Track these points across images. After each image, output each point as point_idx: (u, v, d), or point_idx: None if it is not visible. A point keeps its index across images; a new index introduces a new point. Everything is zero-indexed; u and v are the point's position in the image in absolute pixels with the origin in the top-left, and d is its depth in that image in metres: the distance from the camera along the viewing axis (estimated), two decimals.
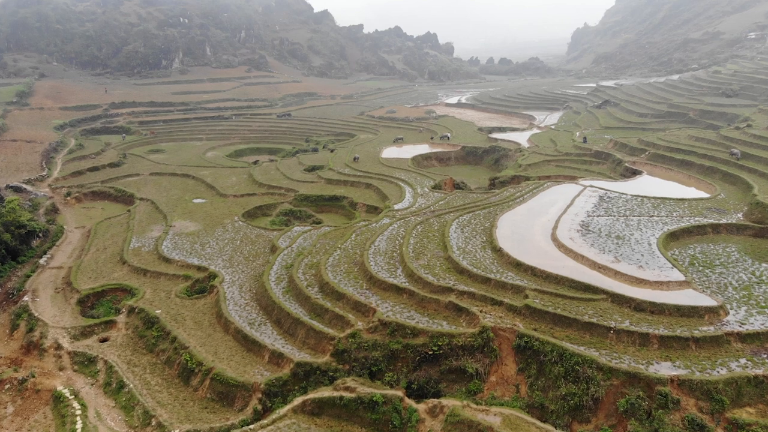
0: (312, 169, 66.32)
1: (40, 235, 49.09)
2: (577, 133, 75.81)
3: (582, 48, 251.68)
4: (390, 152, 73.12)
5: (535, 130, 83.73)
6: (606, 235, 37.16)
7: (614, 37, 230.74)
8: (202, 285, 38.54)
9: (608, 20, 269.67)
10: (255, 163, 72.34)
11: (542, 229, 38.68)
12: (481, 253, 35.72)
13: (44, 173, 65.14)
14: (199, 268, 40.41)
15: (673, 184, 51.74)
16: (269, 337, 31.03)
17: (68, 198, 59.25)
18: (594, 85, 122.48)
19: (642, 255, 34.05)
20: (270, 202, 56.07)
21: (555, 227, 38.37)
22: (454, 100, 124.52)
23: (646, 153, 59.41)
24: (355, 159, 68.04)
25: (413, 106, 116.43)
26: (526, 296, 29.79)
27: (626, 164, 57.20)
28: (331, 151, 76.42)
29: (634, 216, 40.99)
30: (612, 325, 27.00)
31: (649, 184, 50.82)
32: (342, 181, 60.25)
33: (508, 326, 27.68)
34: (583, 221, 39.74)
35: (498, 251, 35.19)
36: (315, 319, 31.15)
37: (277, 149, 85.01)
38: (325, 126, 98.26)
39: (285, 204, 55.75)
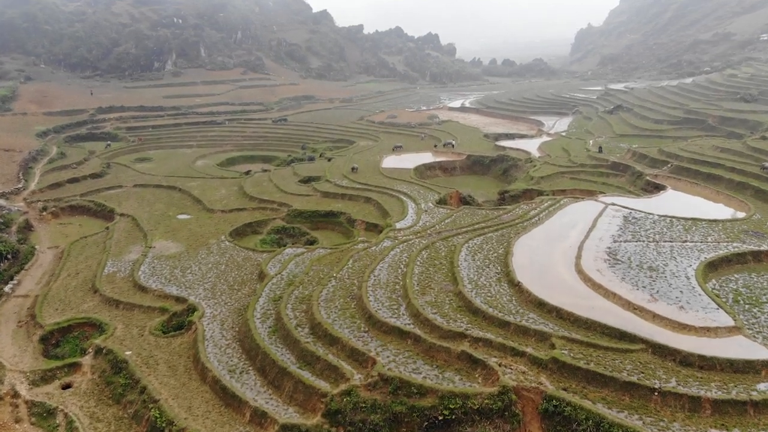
0: (307, 180, 61.94)
1: (9, 257, 44.79)
2: (591, 142, 71.32)
3: (586, 49, 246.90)
4: (391, 161, 68.68)
5: (545, 138, 79.15)
6: (637, 265, 32.70)
7: (619, 38, 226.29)
8: (180, 319, 34.25)
9: (613, 20, 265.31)
10: (247, 173, 67.91)
11: (564, 257, 34.23)
12: (497, 287, 31.34)
13: (20, 185, 60.66)
14: (178, 299, 36.17)
15: (700, 200, 47.31)
16: (252, 389, 26.77)
17: (44, 213, 54.85)
18: (602, 88, 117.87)
19: (681, 292, 29.66)
20: (261, 218, 51.69)
21: (579, 256, 33.91)
22: (457, 103, 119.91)
23: (669, 165, 54.94)
24: (353, 169, 63.69)
25: (415, 110, 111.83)
26: (553, 345, 25.42)
27: (647, 178, 52.74)
28: (329, 159, 72.06)
29: (665, 241, 36.56)
30: (656, 386, 22.71)
31: (676, 201, 46.31)
32: (339, 195, 55.92)
33: (532, 386, 23.34)
34: (609, 248, 35.27)
35: (516, 286, 30.78)
36: (305, 369, 26.85)
37: (272, 157, 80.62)
38: (322, 132, 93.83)
39: (277, 220, 51.38)
